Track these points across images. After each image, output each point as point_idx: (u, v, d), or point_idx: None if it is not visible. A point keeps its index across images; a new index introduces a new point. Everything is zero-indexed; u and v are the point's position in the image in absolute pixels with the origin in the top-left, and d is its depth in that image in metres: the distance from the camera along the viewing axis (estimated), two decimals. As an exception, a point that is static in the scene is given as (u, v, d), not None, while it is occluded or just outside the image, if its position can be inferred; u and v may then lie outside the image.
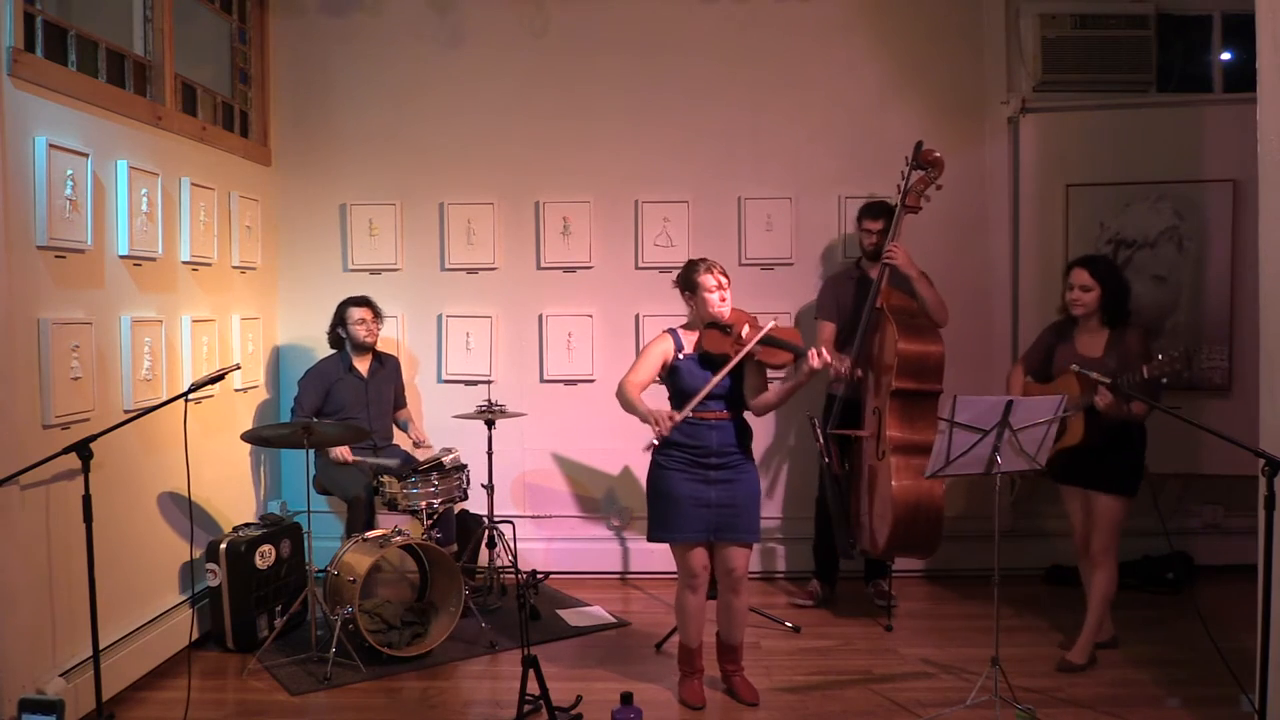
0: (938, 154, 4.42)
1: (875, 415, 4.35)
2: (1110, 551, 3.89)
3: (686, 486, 3.51)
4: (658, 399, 3.63)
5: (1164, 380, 3.52)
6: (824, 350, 3.41)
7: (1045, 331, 4.12)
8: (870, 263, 4.70)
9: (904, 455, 4.17)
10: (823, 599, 4.79)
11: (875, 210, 4.68)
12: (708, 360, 3.53)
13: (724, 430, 3.53)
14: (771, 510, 5.29)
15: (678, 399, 3.56)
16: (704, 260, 3.62)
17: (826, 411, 4.62)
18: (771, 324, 3.51)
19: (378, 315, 4.93)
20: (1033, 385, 4.01)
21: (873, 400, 4.40)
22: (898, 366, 4.21)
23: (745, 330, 3.51)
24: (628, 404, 3.54)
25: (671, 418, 3.43)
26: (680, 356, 3.58)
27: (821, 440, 4.41)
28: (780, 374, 3.88)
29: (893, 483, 4.13)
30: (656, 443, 3.50)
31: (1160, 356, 3.50)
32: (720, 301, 3.54)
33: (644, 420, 3.47)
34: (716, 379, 3.44)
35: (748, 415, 3.64)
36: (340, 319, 4.89)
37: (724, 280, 3.57)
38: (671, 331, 3.64)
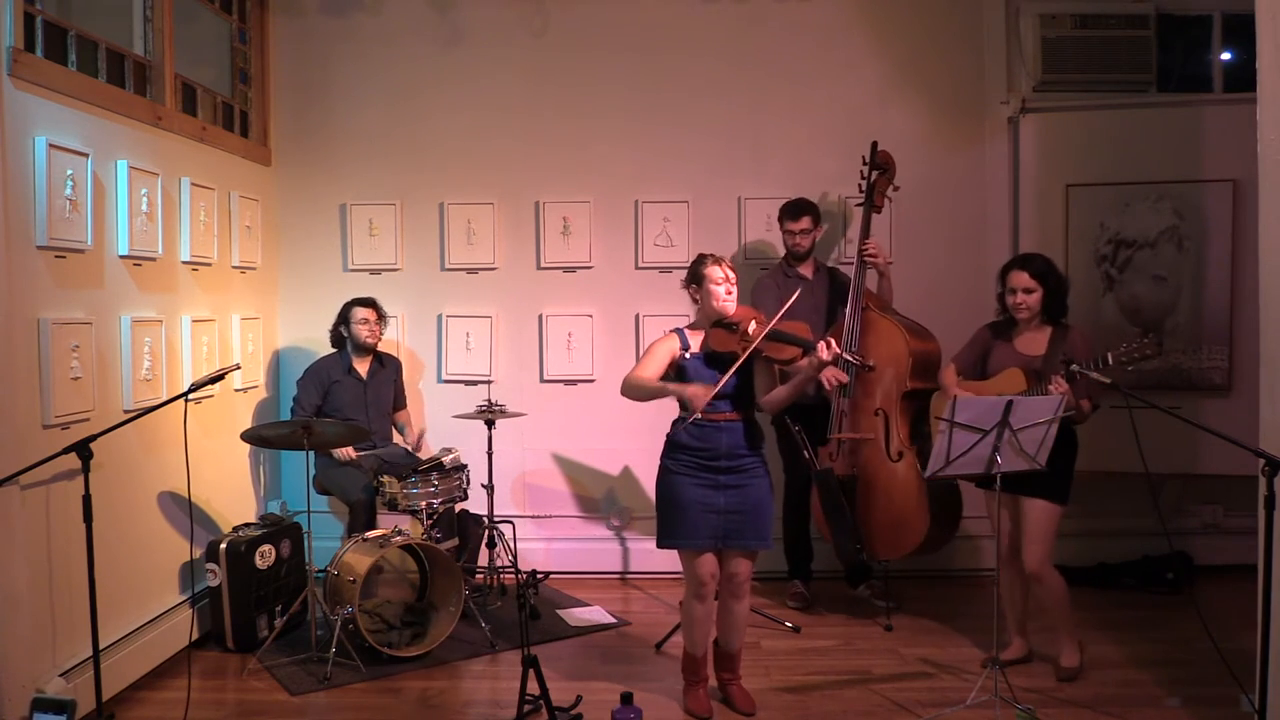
0: (889, 154, 4.54)
1: (879, 417, 4.36)
2: (1048, 561, 3.77)
3: (695, 492, 3.44)
4: (660, 400, 3.61)
5: (1130, 368, 3.46)
6: (833, 342, 3.35)
7: (980, 331, 4.02)
8: (797, 263, 4.69)
9: (922, 456, 4.22)
10: (810, 598, 4.77)
11: (796, 209, 4.64)
12: (714, 359, 3.47)
13: (733, 432, 3.46)
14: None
15: (684, 404, 3.50)
16: (711, 254, 3.58)
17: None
18: (778, 318, 3.43)
19: (381, 317, 4.92)
20: (967, 384, 3.91)
21: (870, 402, 4.40)
22: (911, 367, 4.25)
23: (752, 327, 3.45)
24: (648, 390, 3.44)
25: (708, 391, 3.33)
26: (686, 355, 3.51)
27: (808, 455, 4.33)
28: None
29: (924, 483, 4.17)
30: (691, 419, 3.39)
31: (1125, 345, 3.44)
32: (726, 295, 3.49)
33: (680, 397, 3.39)
34: (726, 376, 3.38)
35: (758, 416, 3.58)
36: (344, 318, 4.89)
37: (730, 275, 3.52)
38: (677, 331, 3.59)
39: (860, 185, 4.55)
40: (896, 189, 4.57)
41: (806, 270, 4.69)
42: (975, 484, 3.84)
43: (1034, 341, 3.80)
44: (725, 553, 3.51)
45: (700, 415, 3.38)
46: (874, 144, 4.51)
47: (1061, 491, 3.75)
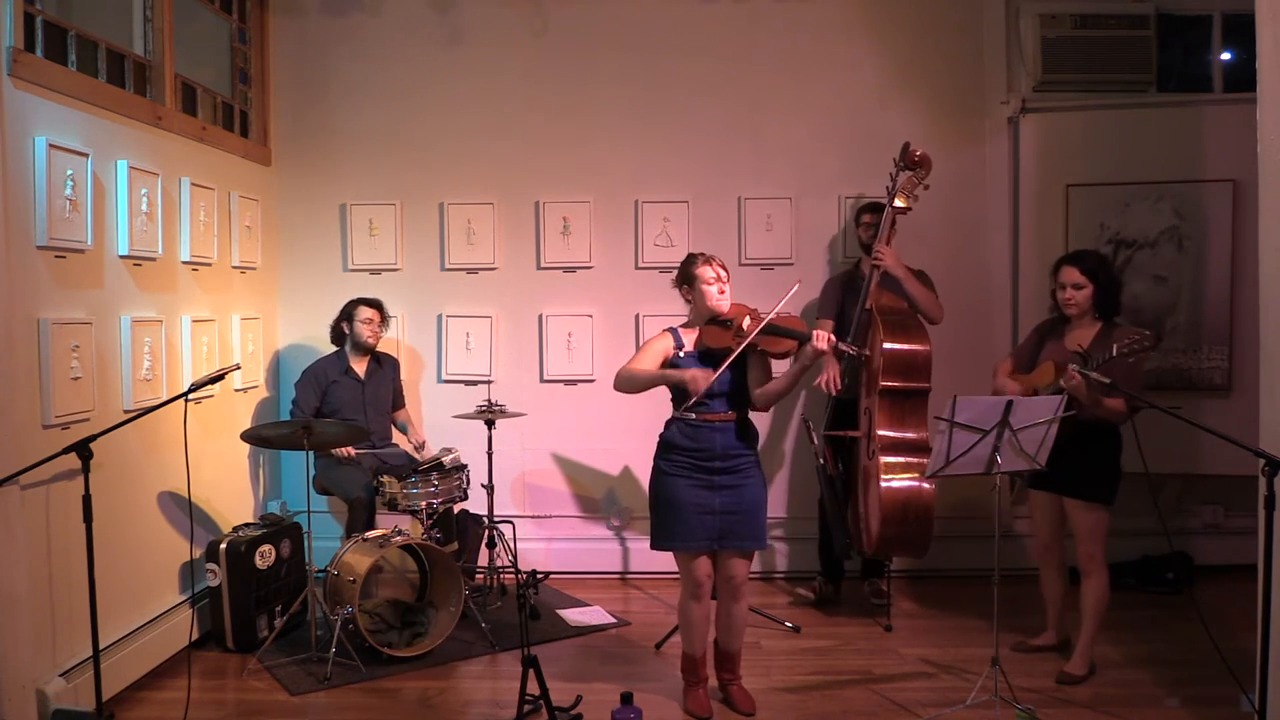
0: (924, 153, 4.44)
1: (867, 415, 4.36)
2: (1097, 559, 3.78)
3: (690, 493, 3.42)
4: (659, 400, 3.62)
5: (1130, 360, 3.47)
6: (828, 333, 3.34)
7: (1037, 327, 4.06)
8: (867, 257, 4.72)
9: (893, 454, 4.17)
10: (824, 598, 4.79)
11: (875, 206, 4.74)
12: (709, 356, 3.46)
13: (728, 432, 3.44)
14: (773, 509, 5.28)
15: (678, 398, 3.50)
16: (701, 253, 3.58)
17: (828, 412, 4.63)
18: (773, 312, 3.42)
19: (384, 319, 4.92)
20: (1016, 376, 3.95)
21: (864, 400, 4.41)
22: (884, 365, 4.21)
23: (746, 322, 3.45)
24: (643, 380, 3.45)
25: (707, 376, 3.33)
26: (680, 354, 3.50)
27: (816, 442, 4.40)
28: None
29: (881, 482, 4.13)
30: (690, 404, 3.39)
31: (1127, 339, 3.46)
32: (719, 294, 3.48)
33: (678, 383, 3.39)
34: (724, 366, 3.37)
35: (753, 415, 3.57)
36: (347, 315, 4.88)
37: (722, 273, 3.51)
38: (671, 330, 3.58)
39: (888, 187, 4.51)
40: (926, 188, 4.48)
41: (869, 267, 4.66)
42: (1027, 483, 3.91)
43: (1083, 338, 3.77)
44: (721, 554, 3.49)
45: (696, 413, 3.39)
46: (905, 144, 4.44)
47: (1103, 492, 3.74)
